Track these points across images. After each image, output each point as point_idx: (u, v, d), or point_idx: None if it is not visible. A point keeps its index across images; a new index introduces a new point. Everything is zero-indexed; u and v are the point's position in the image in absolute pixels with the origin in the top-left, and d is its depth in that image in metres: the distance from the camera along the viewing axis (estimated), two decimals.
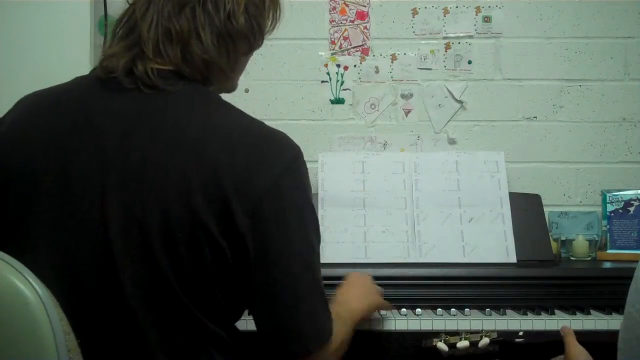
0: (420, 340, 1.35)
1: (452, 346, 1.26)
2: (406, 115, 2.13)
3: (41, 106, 1.02)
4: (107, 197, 0.92)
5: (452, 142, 2.12)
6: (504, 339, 1.28)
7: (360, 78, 2.13)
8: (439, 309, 1.52)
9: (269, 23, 1.08)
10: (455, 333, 1.35)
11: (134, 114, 0.95)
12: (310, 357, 0.97)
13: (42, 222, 0.94)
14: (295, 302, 0.96)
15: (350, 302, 1.23)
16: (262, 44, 1.08)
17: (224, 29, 0.99)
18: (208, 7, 0.98)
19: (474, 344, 1.26)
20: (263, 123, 1.01)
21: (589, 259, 1.94)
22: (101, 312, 0.94)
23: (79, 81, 1.04)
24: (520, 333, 1.33)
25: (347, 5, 2.13)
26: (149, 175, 0.91)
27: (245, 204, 0.91)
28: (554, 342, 1.21)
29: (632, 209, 1.95)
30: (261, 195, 0.92)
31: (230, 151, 0.93)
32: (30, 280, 0.83)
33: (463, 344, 1.26)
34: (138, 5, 1.00)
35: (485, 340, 1.26)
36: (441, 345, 1.27)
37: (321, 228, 1.77)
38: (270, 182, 0.93)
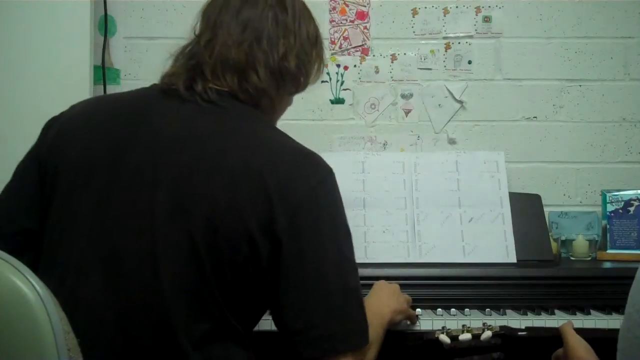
0: (422, 337, 1.35)
1: (454, 338, 1.26)
2: (406, 115, 2.13)
3: (103, 103, 1.14)
4: (156, 189, 0.99)
5: (452, 142, 2.12)
6: (506, 333, 1.27)
7: (360, 78, 2.13)
8: (439, 309, 1.52)
9: (314, 72, 1.21)
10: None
11: (190, 119, 1.05)
12: (334, 358, 0.99)
13: (88, 203, 1.02)
14: (327, 303, 0.99)
15: (379, 307, 1.27)
16: (304, 89, 1.21)
17: (277, 67, 1.11)
18: (264, 46, 1.10)
19: (476, 336, 1.25)
20: (301, 145, 1.10)
21: (589, 259, 1.94)
22: (133, 293, 0.98)
23: (139, 89, 1.14)
24: (523, 327, 1.33)
25: (347, 5, 2.13)
26: (200, 174, 0.99)
27: (285, 208, 0.98)
28: (557, 336, 1.21)
29: (632, 209, 1.95)
30: (300, 203, 0.99)
31: (274, 160, 1.01)
32: (30, 280, 0.83)
33: (465, 336, 1.25)
34: (203, 37, 1.11)
35: (487, 333, 1.25)
36: (443, 338, 1.27)
37: None
38: (308, 191, 1.01)
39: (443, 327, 1.31)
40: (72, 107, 1.15)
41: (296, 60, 1.13)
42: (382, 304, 1.29)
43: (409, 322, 1.44)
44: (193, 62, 1.10)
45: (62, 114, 1.14)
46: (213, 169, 0.99)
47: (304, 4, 1.20)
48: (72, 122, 1.10)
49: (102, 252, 1.00)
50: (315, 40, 1.19)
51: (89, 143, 1.06)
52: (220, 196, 0.98)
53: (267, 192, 0.98)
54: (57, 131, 1.10)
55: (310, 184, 1.02)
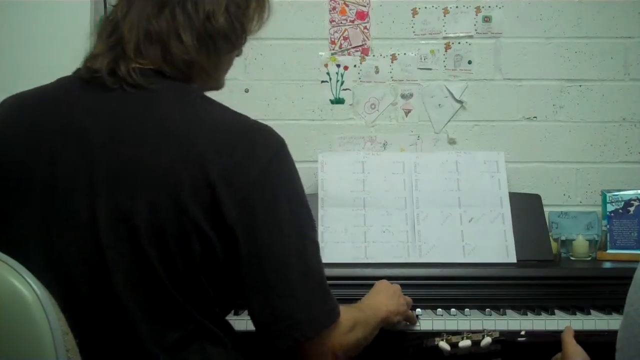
0: (422, 340, 1.34)
1: (454, 345, 1.26)
2: (406, 115, 2.13)
3: (26, 107, 1.03)
4: (95, 195, 0.93)
5: (452, 142, 2.12)
6: (506, 339, 1.27)
7: (360, 78, 2.13)
8: (439, 309, 1.52)
9: (254, 23, 1.10)
10: (457, 333, 1.34)
11: (119, 113, 0.96)
12: (312, 343, 0.97)
13: (31, 220, 0.95)
14: (289, 291, 0.96)
15: (376, 304, 1.26)
16: (244, 43, 1.09)
17: (203, 29, 1.00)
18: (188, 8, 0.99)
19: (476, 343, 1.25)
20: (246, 116, 1.01)
21: (589, 259, 1.94)
22: (92, 307, 0.94)
23: (62, 82, 1.05)
24: (522, 332, 1.33)
25: (347, 5, 2.13)
26: (137, 172, 0.92)
27: (233, 195, 0.92)
28: (556, 341, 1.21)
29: (632, 209, 1.95)
30: (249, 186, 0.93)
31: (216, 144, 0.93)
32: (29, 280, 0.83)
33: (465, 343, 1.25)
34: (119, 7, 1.02)
35: (487, 340, 1.25)
36: (443, 345, 1.27)
37: (321, 228, 1.80)
38: (258, 173, 0.94)
39: (443, 334, 1.30)
40: None
41: (226, 14, 1.01)
42: (379, 302, 1.28)
43: (408, 323, 1.44)
44: (113, 40, 1.00)
45: None
46: (150, 167, 0.92)
47: None
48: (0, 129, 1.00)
49: (56, 276, 0.93)
50: None
51: (22, 152, 0.97)
52: (162, 197, 0.91)
53: (210, 182, 0.91)
54: None
55: (260, 164, 0.95)
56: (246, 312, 1.45)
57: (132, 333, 0.94)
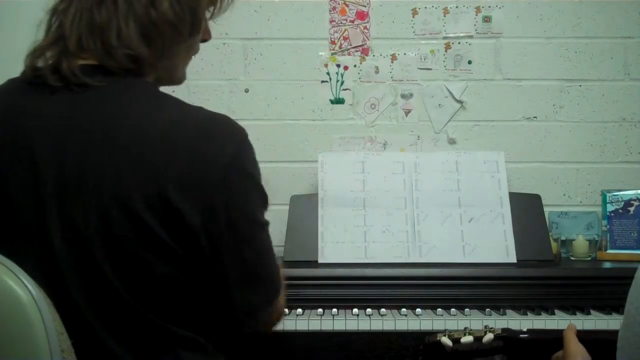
0: (423, 336, 1.35)
1: (456, 341, 1.26)
2: (406, 115, 2.13)
3: None
4: (46, 209, 0.87)
5: (452, 142, 2.12)
6: (508, 335, 1.27)
7: (360, 78, 2.13)
8: (439, 309, 1.52)
9: (211, 8, 1.02)
10: None
11: (65, 117, 0.90)
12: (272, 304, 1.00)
13: None
14: (269, 279, 0.98)
15: None
16: (199, 30, 1.00)
17: (147, 17, 0.92)
18: None
19: (478, 339, 1.25)
20: (201, 109, 0.93)
21: (589, 259, 1.94)
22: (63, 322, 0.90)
23: (8, 84, 0.99)
24: (525, 329, 1.33)
25: (347, 5, 2.13)
26: (86, 182, 0.86)
27: (193, 202, 0.87)
28: (559, 338, 1.21)
29: (632, 209, 1.95)
30: (210, 193, 0.88)
31: (168, 150, 0.87)
32: (24, 281, 0.82)
33: (467, 339, 1.25)
34: (61, 2, 0.95)
35: (489, 336, 1.25)
36: (445, 340, 1.27)
37: (321, 228, 1.80)
38: (218, 178, 0.88)
39: (445, 330, 1.30)
40: None
41: (169, 1, 0.92)
42: None
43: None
44: (57, 34, 0.94)
45: None
46: (98, 175, 0.86)
47: None
48: None
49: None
50: None
51: None
52: (113, 208, 0.85)
53: (164, 192, 0.85)
54: None
55: (218, 168, 0.88)
56: None
57: (103, 348, 0.90)
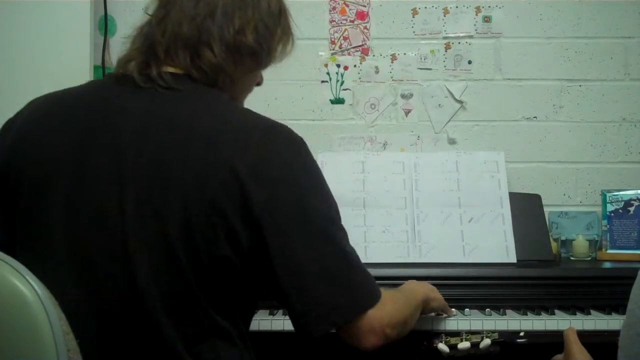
0: (421, 341, 1.34)
1: (452, 347, 1.26)
2: (406, 115, 2.13)
3: (56, 104, 1.07)
4: (123, 190, 0.96)
5: (452, 142, 2.12)
6: (505, 340, 1.27)
7: (360, 78, 2.13)
8: None
9: (278, 50, 1.15)
10: (456, 333, 1.34)
11: (149, 111, 1.00)
12: (356, 325, 1.00)
13: (57, 214, 0.98)
14: (325, 277, 0.98)
15: (410, 287, 1.28)
16: (267, 66, 1.15)
17: (233, 42, 1.06)
18: (218, 19, 1.05)
19: (474, 345, 1.25)
20: (268, 118, 1.06)
21: (589, 259, 1.94)
22: (113, 301, 0.97)
23: (94, 82, 1.11)
24: (522, 333, 1.33)
25: (347, 5, 2.13)
26: (166, 168, 0.96)
27: (261, 190, 0.95)
28: (556, 343, 1.21)
29: (632, 209, 1.95)
30: (276, 182, 0.97)
31: (242, 143, 0.97)
32: (30, 280, 0.83)
33: (464, 345, 1.26)
34: (156, 15, 1.08)
35: (486, 342, 1.26)
36: (442, 347, 1.27)
37: None
38: (284, 169, 0.98)
39: (442, 335, 1.30)
40: (28, 107, 1.09)
41: (254, 34, 1.07)
42: (414, 288, 1.29)
43: (444, 315, 1.44)
44: (147, 44, 1.06)
45: (17, 116, 1.09)
46: (179, 163, 0.96)
47: None
48: (29, 125, 1.05)
49: (76, 260, 0.97)
50: (278, 14, 1.13)
51: (50, 147, 1.01)
52: (191, 191, 0.94)
53: (239, 178, 0.94)
54: (15, 136, 1.05)
55: (285, 161, 0.99)
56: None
57: (150, 326, 0.95)
